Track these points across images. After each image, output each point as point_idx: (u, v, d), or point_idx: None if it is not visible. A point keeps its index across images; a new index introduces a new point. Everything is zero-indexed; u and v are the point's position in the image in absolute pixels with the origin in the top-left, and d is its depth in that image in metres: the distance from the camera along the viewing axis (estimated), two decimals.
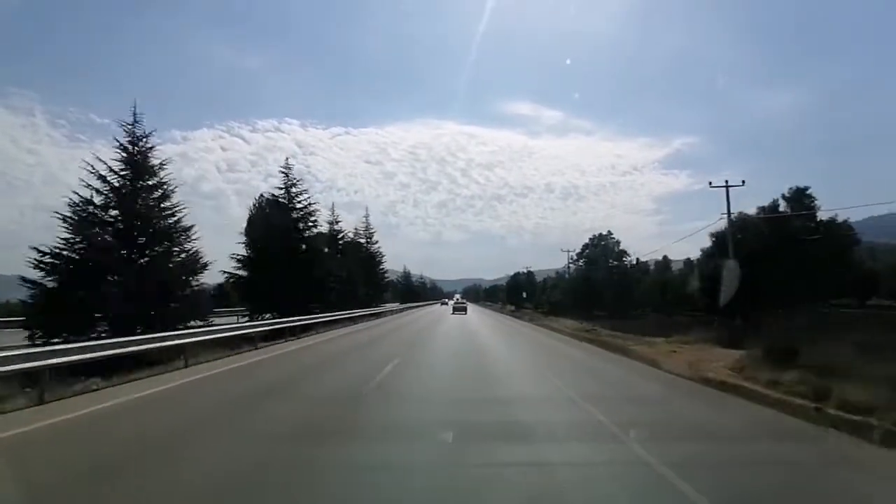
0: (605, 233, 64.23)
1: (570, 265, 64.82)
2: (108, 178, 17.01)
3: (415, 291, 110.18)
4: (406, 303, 78.12)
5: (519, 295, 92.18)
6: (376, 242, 52.43)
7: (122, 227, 17.01)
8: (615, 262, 60.98)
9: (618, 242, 62.72)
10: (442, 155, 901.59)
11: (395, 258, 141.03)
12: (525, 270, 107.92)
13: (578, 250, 64.41)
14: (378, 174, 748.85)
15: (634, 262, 65.00)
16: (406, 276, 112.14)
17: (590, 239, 64.43)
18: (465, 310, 53.91)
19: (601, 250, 61.95)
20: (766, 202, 40.69)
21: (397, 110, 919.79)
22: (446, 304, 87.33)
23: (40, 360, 8.20)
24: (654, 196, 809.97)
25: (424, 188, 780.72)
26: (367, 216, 52.70)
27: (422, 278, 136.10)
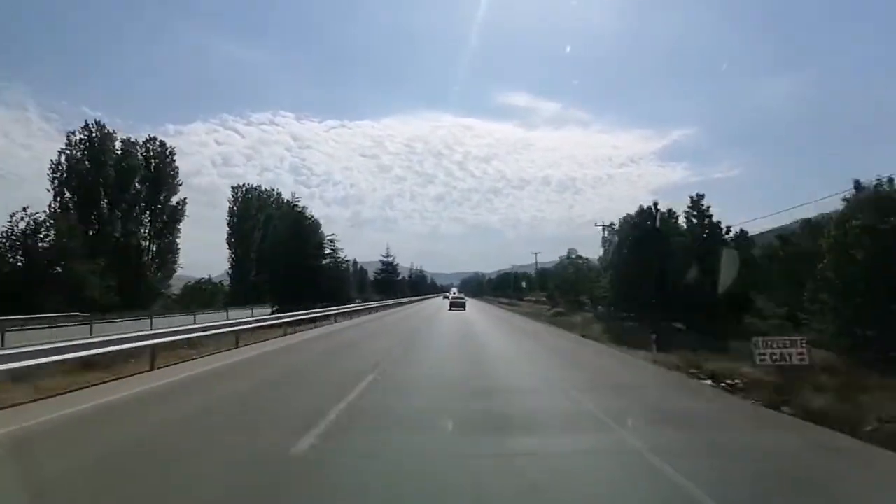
0: None
1: None
2: None
3: (335, 279, 46.47)
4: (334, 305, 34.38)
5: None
6: None
7: None
8: None
9: None
10: (438, 148, 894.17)
11: (398, 254, 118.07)
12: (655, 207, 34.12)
13: None
14: (374, 167, 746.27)
15: None
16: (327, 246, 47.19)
17: None
18: (463, 306, 51.22)
19: None
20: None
21: (394, 102, 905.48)
22: (447, 298, 78.67)
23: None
24: (652, 188, 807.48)
25: (421, 181, 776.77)
26: None
27: (389, 257, 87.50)
